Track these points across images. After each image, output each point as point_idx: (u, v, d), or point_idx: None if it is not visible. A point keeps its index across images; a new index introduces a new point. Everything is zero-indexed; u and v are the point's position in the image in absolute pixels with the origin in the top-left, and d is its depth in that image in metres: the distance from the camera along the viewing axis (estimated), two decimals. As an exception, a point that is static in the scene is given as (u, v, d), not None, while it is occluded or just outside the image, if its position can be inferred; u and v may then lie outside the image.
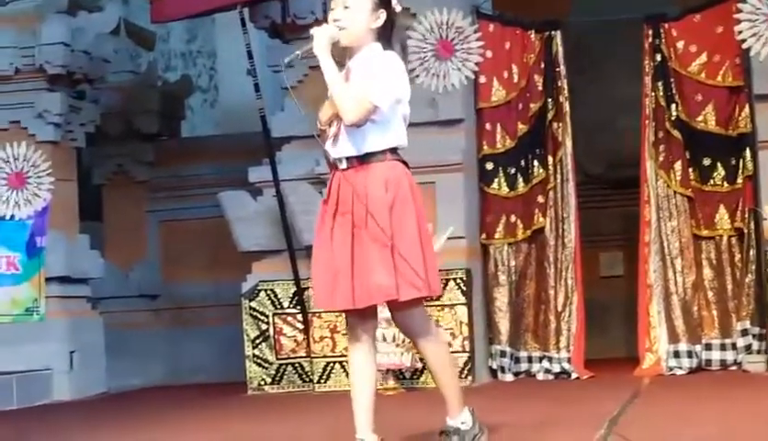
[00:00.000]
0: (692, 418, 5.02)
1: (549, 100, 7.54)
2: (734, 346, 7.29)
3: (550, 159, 7.53)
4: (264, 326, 7.51)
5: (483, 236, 7.60)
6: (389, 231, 3.83)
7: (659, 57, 7.44)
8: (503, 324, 7.52)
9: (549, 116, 7.54)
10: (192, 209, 9.31)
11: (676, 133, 7.41)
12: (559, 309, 7.45)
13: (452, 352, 7.02)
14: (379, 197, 3.86)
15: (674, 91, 7.42)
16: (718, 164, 7.39)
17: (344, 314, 4.41)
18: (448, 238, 6.97)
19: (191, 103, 11.64)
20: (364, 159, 3.92)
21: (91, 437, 5.74)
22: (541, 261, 7.53)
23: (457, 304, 7.12)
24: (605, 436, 4.27)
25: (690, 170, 7.42)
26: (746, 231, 7.30)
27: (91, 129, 8.63)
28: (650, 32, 7.44)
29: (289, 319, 7.46)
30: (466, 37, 7.37)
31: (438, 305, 7.08)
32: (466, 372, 7.07)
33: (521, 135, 7.58)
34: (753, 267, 7.28)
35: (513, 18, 7.68)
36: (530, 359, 7.52)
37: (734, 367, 7.25)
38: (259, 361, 7.52)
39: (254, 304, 7.54)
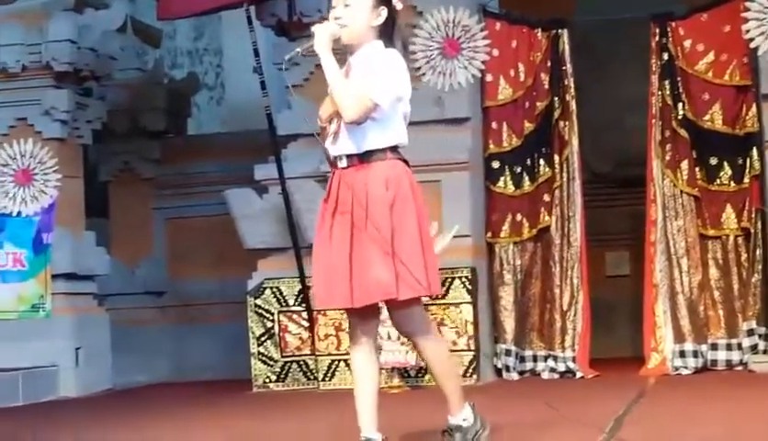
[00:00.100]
0: (697, 418, 5.01)
1: (556, 99, 7.53)
2: (740, 346, 7.28)
3: (556, 158, 7.52)
4: (269, 324, 7.52)
5: (489, 235, 7.60)
6: (388, 235, 3.82)
7: (665, 56, 7.43)
8: (509, 323, 7.52)
9: (556, 114, 7.53)
10: (198, 206, 9.31)
11: (683, 132, 7.40)
12: (565, 308, 7.45)
13: (457, 350, 7.04)
14: (380, 196, 3.86)
15: (681, 90, 7.41)
16: (725, 164, 7.38)
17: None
18: (454, 236, 6.96)
19: (197, 100, 11.64)
20: (364, 157, 3.91)
21: (97, 434, 5.74)
22: (547, 260, 7.52)
23: (462, 303, 7.12)
24: (608, 439, 4.27)
25: (696, 169, 7.41)
26: (753, 230, 7.30)
27: (97, 126, 8.64)
28: (657, 31, 7.43)
29: (295, 317, 7.46)
30: (472, 35, 7.37)
31: (443, 304, 7.08)
32: (471, 371, 7.07)
33: (527, 134, 7.58)
34: (760, 267, 7.28)
35: (519, 17, 7.67)
36: (535, 358, 7.52)
37: (740, 368, 7.24)
38: (264, 359, 7.52)
39: (259, 302, 7.55)
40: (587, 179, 7.92)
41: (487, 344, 7.40)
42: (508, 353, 7.47)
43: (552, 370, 7.40)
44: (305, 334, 7.43)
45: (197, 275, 9.37)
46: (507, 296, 7.54)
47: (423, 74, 7.32)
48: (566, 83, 7.53)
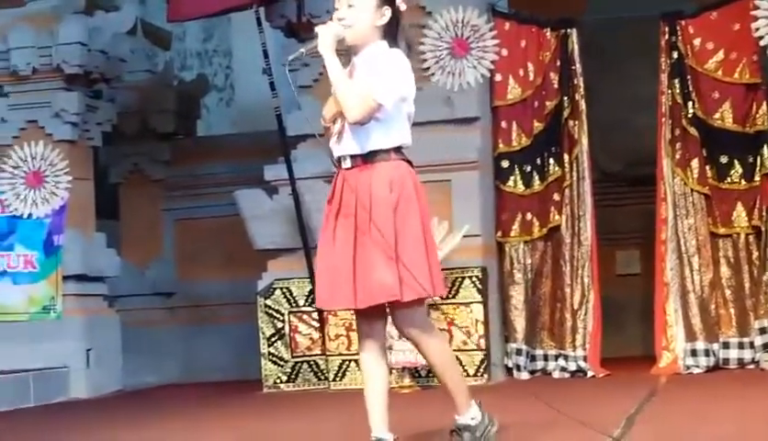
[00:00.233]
0: (709, 416, 5.00)
1: (565, 98, 7.53)
2: (752, 345, 7.26)
3: (566, 157, 7.51)
4: (279, 324, 7.52)
5: (499, 234, 7.60)
6: (392, 238, 3.82)
7: (675, 54, 7.42)
8: (519, 322, 7.52)
9: (565, 114, 7.52)
10: (208, 207, 9.32)
11: (693, 131, 7.39)
12: (576, 307, 7.44)
13: (467, 350, 7.04)
14: (383, 199, 3.86)
15: (691, 88, 7.39)
16: (736, 162, 7.37)
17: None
18: (464, 236, 6.97)
19: (207, 102, 11.66)
20: (368, 158, 3.91)
21: (108, 434, 5.76)
22: (557, 259, 7.52)
23: (472, 302, 7.11)
24: (619, 438, 4.26)
25: (707, 168, 7.40)
26: (763, 228, 7.27)
27: (108, 128, 8.66)
28: (667, 29, 7.42)
29: (305, 317, 7.46)
30: (481, 35, 7.37)
31: (454, 303, 7.09)
32: (482, 370, 7.07)
33: (537, 133, 7.57)
34: (771, 265, 7.26)
35: (528, 16, 7.67)
36: (546, 357, 7.51)
37: (752, 366, 7.22)
38: (274, 359, 7.53)
39: (269, 302, 7.55)
40: (597, 178, 7.91)
41: (497, 348, 7.39)
42: (519, 352, 7.47)
43: (563, 369, 7.39)
44: (315, 335, 7.44)
45: (207, 276, 9.38)
46: (518, 295, 7.54)
47: (433, 74, 7.32)
48: (575, 82, 7.52)
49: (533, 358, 7.53)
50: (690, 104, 7.39)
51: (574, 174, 7.51)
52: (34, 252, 8.10)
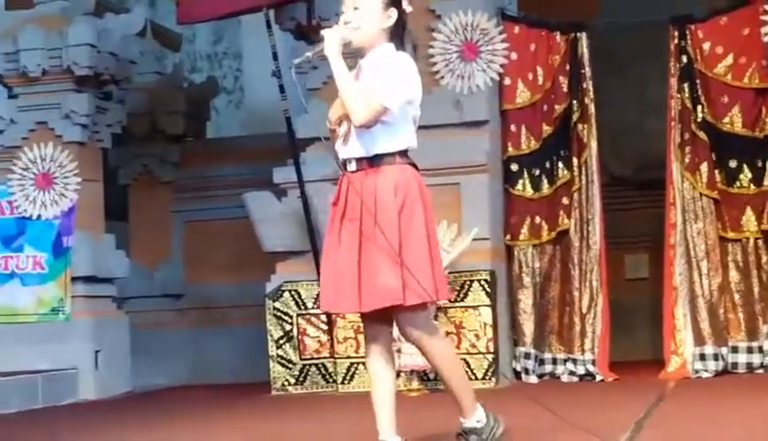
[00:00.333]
0: (717, 421, 4.99)
1: (575, 102, 7.52)
2: (761, 349, 7.26)
3: (575, 161, 7.51)
4: (287, 327, 7.53)
5: (508, 237, 7.59)
6: (396, 242, 3.83)
7: (685, 59, 7.41)
8: (528, 326, 7.51)
9: (574, 117, 7.52)
10: (217, 209, 9.34)
11: (702, 135, 7.38)
12: (584, 311, 7.43)
13: (476, 353, 7.04)
14: (389, 203, 3.86)
15: (700, 93, 7.39)
16: (745, 166, 7.36)
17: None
18: (473, 239, 6.97)
19: (216, 104, 11.68)
20: (373, 161, 3.92)
21: (117, 436, 5.77)
22: (566, 263, 7.51)
23: (481, 306, 7.11)
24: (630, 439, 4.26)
25: (716, 172, 7.39)
26: (772, 233, 7.27)
27: (117, 129, 8.67)
28: (676, 34, 7.42)
29: (313, 319, 7.47)
30: (491, 38, 7.37)
31: (462, 306, 7.08)
32: (490, 374, 7.06)
33: (546, 137, 7.57)
34: (780, 270, 7.25)
35: (538, 20, 7.66)
36: (554, 361, 7.51)
37: (760, 370, 7.22)
38: (283, 361, 7.53)
39: (277, 304, 7.56)
40: (606, 182, 7.91)
41: (506, 351, 7.38)
42: (527, 356, 7.46)
43: (571, 373, 7.39)
44: (324, 337, 7.44)
45: (215, 278, 9.39)
46: (526, 299, 7.54)
47: (442, 78, 7.33)
48: (584, 86, 7.52)
49: (541, 362, 7.52)
50: (699, 108, 7.39)
51: (583, 177, 7.50)
52: (43, 253, 8.12)
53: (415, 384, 7.01)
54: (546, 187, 7.57)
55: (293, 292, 7.52)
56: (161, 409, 7.21)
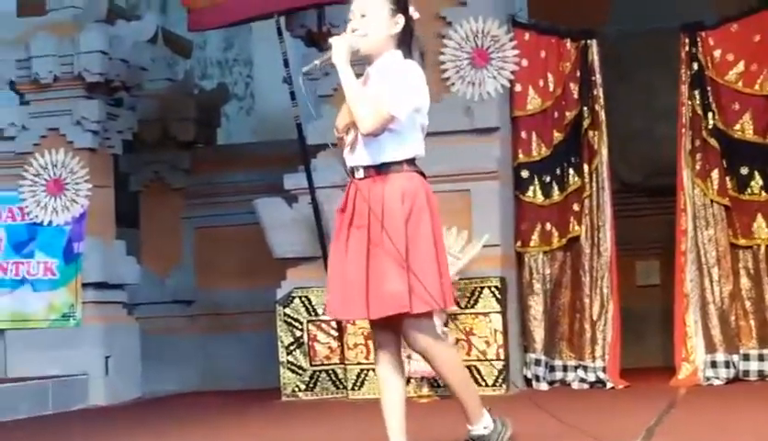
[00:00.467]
0: (729, 428, 4.97)
1: (585, 109, 7.52)
2: (772, 357, 7.23)
3: (586, 167, 7.51)
4: (298, 333, 7.53)
5: (518, 244, 7.59)
6: (403, 249, 3.82)
7: (695, 66, 7.40)
8: (538, 333, 7.50)
9: (585, 124, 7.52)
10: (227, 215, 9.35)
11: (713, 142, 7.37)
12: (595, 317, 7.42)
13: (486, 360, 7.03)
14: (396, 210, 3.86)
15: (711, 100, 7.38)
16: (756, 173, 7.35)
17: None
18: (483, 246, 6.97)
19: (227, 111, 11.70)
20: (381, 169, 3.91)
21: (126, 442, 5.78)
22: (576, 269, 7.50)
23: (491, 312, 7.10)
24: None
25: (727, 179, 7.38)
26: (784, 240, 7.26)
27: (128, 136, 8.69)
28: (687, 41, 7.42)
29: (324, 326, 7.47)
30: (501, 45, 7.37)
31: (473, 313, 7.08)
32: (500, 380, 7.05)
33: (556, 143, 7.57)
34: (792, 277, 7.23)
35: (548, 27, 7.67)
36: (565, 368, 7.50)
37: (772, 378, 7.20)
38: (293, 368, 7.54)
39: (288, 311, 7.56)
40: (617, 189, 7.90)
41: (516, 358, 7.37)
42: (538, 363, 7.45)
43: (582, 380, 7.37)
44: (334, 344, 7.44)
45: (226, 284, 9.40)
46: (537, 305, 7.53)
47: (453, 84, 7.33)
48: (595, 93, 7.52)
49: (552, 369, 7.51)
50: (710, 115, 7.38)
51: (594, 184, 7.50)
52: (54, 259, 8.14)
53: (425, 390, 7.01)
54: (556, 194, 7.57)
55: (303, 298, 7.53)
56: (171, 415, 7.21)
